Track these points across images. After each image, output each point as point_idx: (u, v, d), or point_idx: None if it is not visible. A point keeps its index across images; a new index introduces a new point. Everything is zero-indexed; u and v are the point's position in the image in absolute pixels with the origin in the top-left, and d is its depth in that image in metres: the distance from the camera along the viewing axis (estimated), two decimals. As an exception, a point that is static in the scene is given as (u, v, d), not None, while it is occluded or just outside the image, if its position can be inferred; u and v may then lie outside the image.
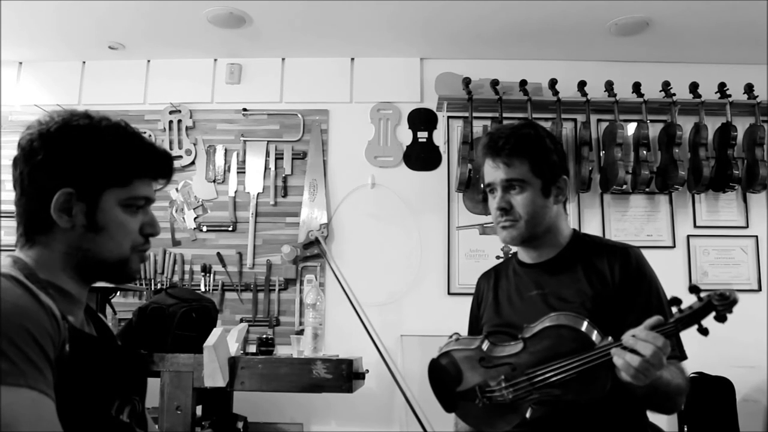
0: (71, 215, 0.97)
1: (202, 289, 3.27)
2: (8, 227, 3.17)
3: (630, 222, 3.34)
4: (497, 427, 1.40)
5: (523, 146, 1.46)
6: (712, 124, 3.23)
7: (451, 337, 1.52)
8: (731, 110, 3.20)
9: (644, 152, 3.20)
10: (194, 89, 3.50)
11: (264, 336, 2.56)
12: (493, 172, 1.48)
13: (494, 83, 3.22)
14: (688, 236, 3.31)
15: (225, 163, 3.43)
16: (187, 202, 3.40)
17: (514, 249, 1.63)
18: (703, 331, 1.17)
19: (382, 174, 3.40)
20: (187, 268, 3.33)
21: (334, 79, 3.50)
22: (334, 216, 3.37)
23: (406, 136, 3.45)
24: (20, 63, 3.56)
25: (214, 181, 3.42)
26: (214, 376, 2.19)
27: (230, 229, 3.36)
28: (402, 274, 3.28)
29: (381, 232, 3.34)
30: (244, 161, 3.42)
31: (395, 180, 3.39)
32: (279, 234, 3.34)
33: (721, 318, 1.15)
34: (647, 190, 3.25)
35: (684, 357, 1.39)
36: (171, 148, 3.41)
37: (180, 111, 3.47)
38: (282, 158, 3.42)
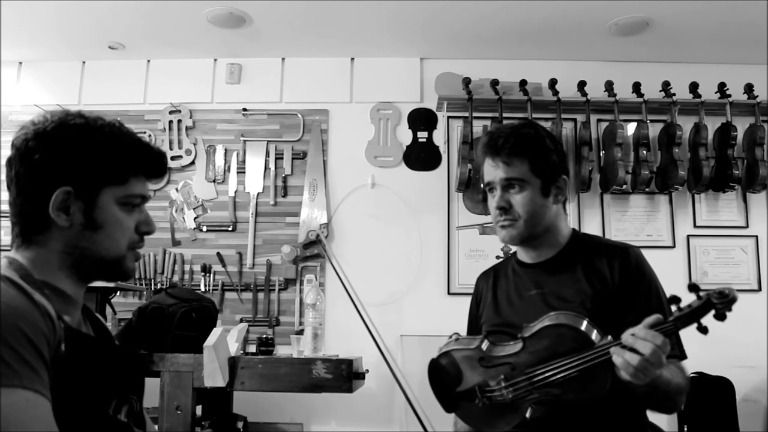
0: (69, 214, 0.97)
1: (202, 289, 3.27)
2: (8, 227, 3.16)
3: (630, 222, 3.34)
4: (497, 427, 1.40)
5: (522, 145, 1.46)
6: (712, 124, 3.23)
7: (450, 337, 1.51)
8: (731, 110, 3.20)
9: (644, 152, 3.19)
10: (194, 89, 3.50)
11: (264, 336, 2.55)
12: (492, 171, 1.48)
13: (494, 83, 3.22)
14: (688, 236, 3.31)
15: (225, 163, 3.43)
16: (187, 202, 3.40)
17: (513, 249, 1.63)
18: (703, 330, 1.16)
19: (382, 174, 3.40)
20: (187, 268, 3.33)
21: (334, 79, 3.50)
22: (334, 216, 3.37)
23: (406, 136, 3.45)
24: (20, 63, 3.57)
25: (214, 181, 3.42)
26: (214, 376, 2.19)
27: (230, 229, 3.36)
28: (402, 274, 3.28)
29: (381, 232, 3.34)
30: (244, 161, 3.42)
31: (395, 180, 3.39)
32: (279, 234, 3.34)
33: (720, 316, 1.14)
34: (647, 190, 3.25)
35: (684, 356, 1.39)
36: (171, 148, 3.42)
37: (180, 111, 3.47)
38: (282, 158, 3.42)
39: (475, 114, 3.21)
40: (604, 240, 1.67)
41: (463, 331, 1.70)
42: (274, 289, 3.28)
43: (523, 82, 3.23)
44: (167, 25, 3.15)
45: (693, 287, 1.16)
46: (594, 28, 3.11)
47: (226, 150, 3.44)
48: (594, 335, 1.27)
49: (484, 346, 1.42)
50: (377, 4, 2.93)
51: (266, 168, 3.41)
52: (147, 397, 1.17)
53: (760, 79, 3.26)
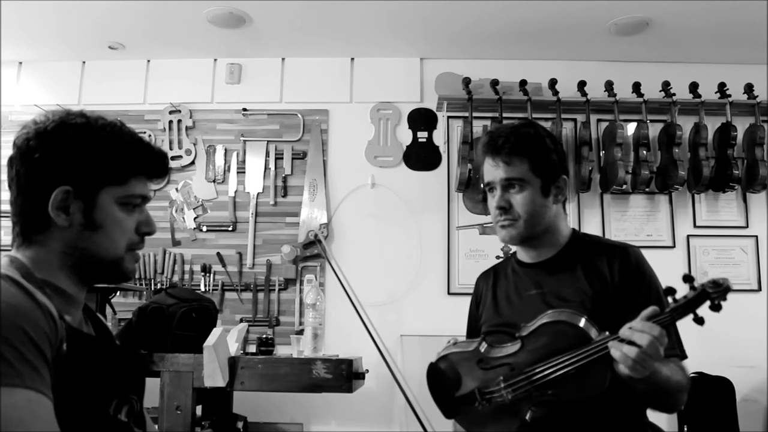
0: (69, 213, 0.97)
1: (202, 289, 3.27)
2: (8, 227, 3.16)
3: (630, 222, 3.34)
4: (497, 430, 1.40)
5: (522, 145, 1.46)
6: (712, 124, 3.23)
7: (448, 342, 1.51)
8: (731, 110, 3.20)
9: (644, 152, 3.19)
10: (194, 89, 3.50)
11: (264, 336, 2.55)
12: (492, 170, 1.48)
13: (494, 83, 3.22)
14: (688, 236, 3.31)
15: (225, 163, 3.43)
16: (187, 202, 3.40)
17: (513, 249, 1.63)
18: (699, 321, 1.17)
19: (382, 174, 3.40)
20: (187, 268, 3.33)
21: (333, 79, 3.50)
22: (334, 216, 3.37)
23: (406, 136, 3.45)
24: (20, 63, 3.57)
25: (214, 181, 3.42)
26: (214, 376, 2.19)
27: (230, 229, 3.36)
28: (402, 274, 3.28)
29: (381, 232, 3.34)
30: (244, 161, 3.42)
31: (395, 180, 3.39)
32: (279, 234, 3.34)
33: (716, 307, 1.15)
34: (647, 190, 3.25)
35: (684, 356, 1.39)
36: (171, 148, 3.42)
37: (180, 111, 3.47)
38: (282, 158, 3.42)
39: (475, 114, 3.21)
40: (603, 240, 1.67)
41: (463, 332, 1.71)
42: (274, 289, 3.28)
43: (523, 82, 3.23)
44: (167, 25, 3.15)
45: (687, 278, 1.17)
46: (594, 28, 3.11)
47: (226, 150, 3.44)
48: (592, 331, 1.27)
49: (482, 348, 1.42)
50: (377, 4, 2.93)
51: (266, 168, 3.41)
52: (147, 397, 1.17)
53: (760, 79, 3.26)
